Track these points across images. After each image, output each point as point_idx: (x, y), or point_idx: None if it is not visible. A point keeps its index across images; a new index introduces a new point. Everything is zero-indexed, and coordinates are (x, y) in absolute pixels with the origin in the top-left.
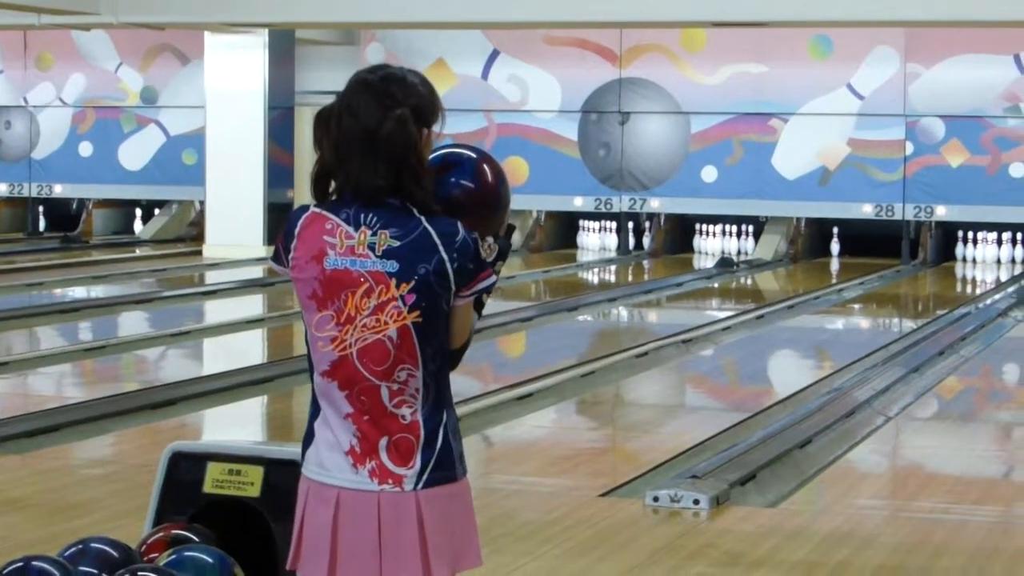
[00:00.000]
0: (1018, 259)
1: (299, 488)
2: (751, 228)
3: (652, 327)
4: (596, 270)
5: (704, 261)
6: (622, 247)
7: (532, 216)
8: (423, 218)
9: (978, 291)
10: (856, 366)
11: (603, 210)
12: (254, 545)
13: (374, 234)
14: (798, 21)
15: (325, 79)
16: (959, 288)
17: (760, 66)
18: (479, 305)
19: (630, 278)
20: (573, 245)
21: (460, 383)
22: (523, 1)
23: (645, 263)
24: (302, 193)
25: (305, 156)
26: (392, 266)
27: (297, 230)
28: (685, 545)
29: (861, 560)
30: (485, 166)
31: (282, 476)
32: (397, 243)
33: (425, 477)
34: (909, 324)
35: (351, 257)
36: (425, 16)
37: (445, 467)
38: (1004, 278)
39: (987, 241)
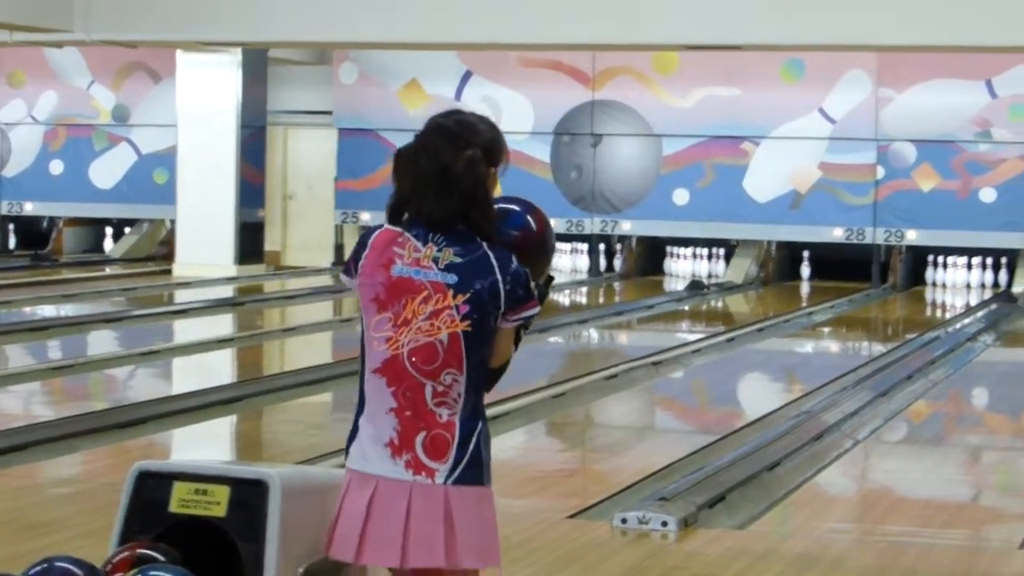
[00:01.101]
0: (988, 284)
1: (344, 481)
2: (722, 251)
3: (623, 349)
4: (567, 292)
5: (675, 283)
6: (593, 269)
7: None
8: (484, 244)
9: (948, 315)
10: (825, 389)
11: (575, 232)
12: (220, 565)
13: (439, 250)
14: (771, 45)
15: (298, 99)
16: (929, 312)
17: (732, 89)
18: (517, 338)
19: (601, 300)
20: None
21: None
22: (496, 23)
23: (616, 285)
24: (273, 212)
25: (276, 175)
26: (451, 278)
27: (370, 241)
28: (653, 567)
29: None
30: (535, 215)
31: (248, 496)
32: (459, 260)
33: (456, 474)
34: (878, 348)
35: (416, 267)
36: (399, 37)
37: (475, 469)
38: (974, 303)
39: (957, 266)
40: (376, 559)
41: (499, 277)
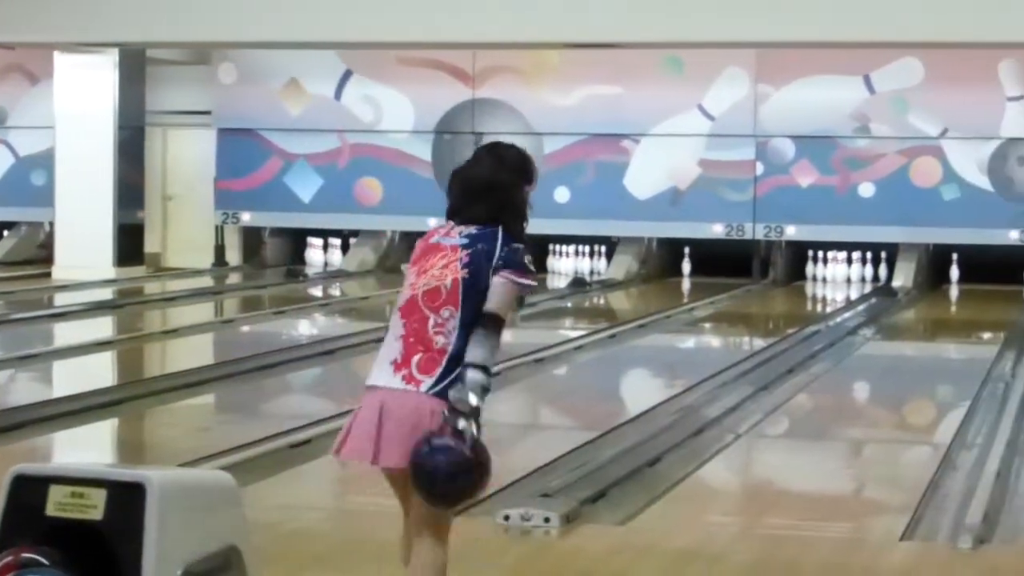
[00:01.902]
0: (867, 278)
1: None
2: (604, 248)
3: (505, 346)
4: None
5: (557, 281)
6: None
7: (386, 237)
8: (501, 228)
9: (828, 310)
10: (706, 384)
11: None
12: (99, 568)
13: (467, 228)
14: (650, 42)
15: (177, 99)
16: (809, 307)
17: (613, 87)
18: (519, 302)
19: None
20: None
21: (316, 404)
22: (376, 21)
23: None
24: (153, 213)
25: (155, 176)
26: (463, 240)
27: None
28: (536, 563)
29: None
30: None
31: (126, 498)
32: (474, 231)
33: (437, 388)
34: (759, 343)
35: (445, 237)
36: (278, 36)
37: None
38: (854, 297)
39: (837, 260)
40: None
41: (498, 245)
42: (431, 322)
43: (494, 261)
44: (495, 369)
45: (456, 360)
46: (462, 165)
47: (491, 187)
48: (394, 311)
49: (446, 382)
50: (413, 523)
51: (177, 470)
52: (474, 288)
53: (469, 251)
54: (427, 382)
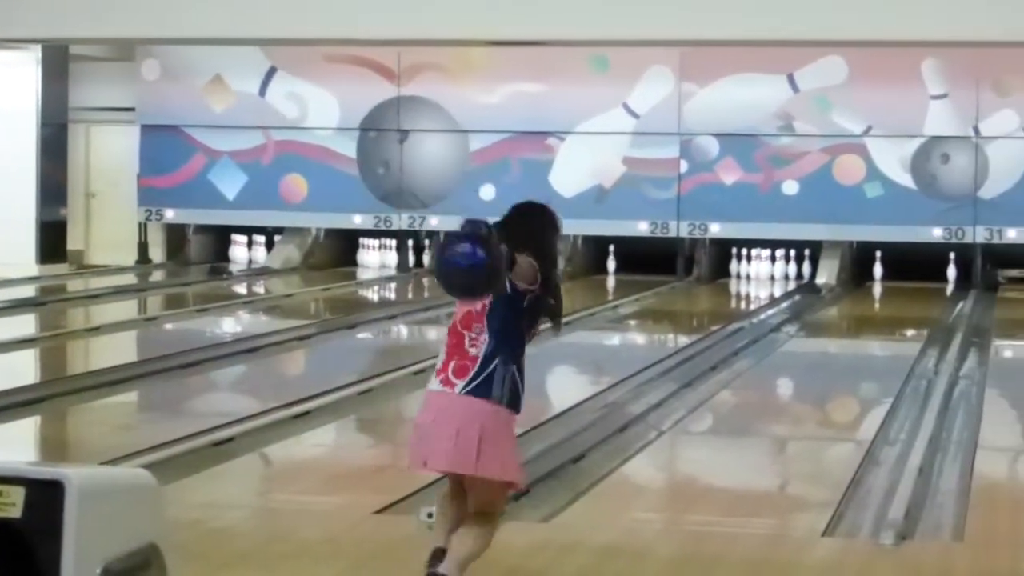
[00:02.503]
0: (791, 275)
1: None
2: None
3: (431, 344)
4: (375, 287)
5: None
6: (401, 265)
7: (311, 234)
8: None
9: (752, 307)
10: (631, 381)
11: (382, 228)
12: (15, 567)
13: None
14: (575, 40)
15: (101, 95)
16: (733, 304)
17: (538, 85)
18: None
19: (410, 296)
20: (353, 263)
21: (238, 402)
22: (300, 18)
23: (424, 280)
24: (76, 211)
25: (78, 173)
26: None
27: None
28: None
29: (635, 573)
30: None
31: (45, 496)
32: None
33: (468, 388)
34: (684, 339)
35: None
36: (202, 32)
37: (484, 387)
38: (777, 294)
39: (761, 258)
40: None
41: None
42: (466, 339)
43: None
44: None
45: (486, 360)
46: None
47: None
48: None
49: (477, 382)
50: (469, 509)
51: (97, 468)
52: (503, 309)
53: None
54: (459, 384)
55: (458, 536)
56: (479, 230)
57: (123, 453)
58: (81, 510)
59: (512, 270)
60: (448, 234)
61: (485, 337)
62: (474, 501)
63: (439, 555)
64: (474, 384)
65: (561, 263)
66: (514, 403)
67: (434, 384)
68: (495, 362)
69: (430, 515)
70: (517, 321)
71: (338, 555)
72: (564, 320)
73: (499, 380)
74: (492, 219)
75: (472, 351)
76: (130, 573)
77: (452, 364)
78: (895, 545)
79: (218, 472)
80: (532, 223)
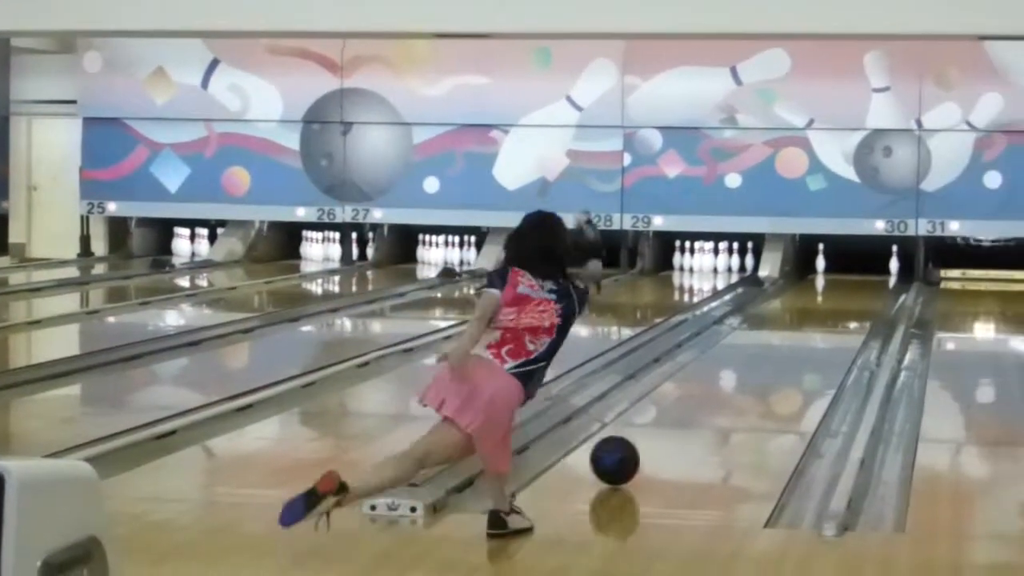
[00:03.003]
0: (734, 268)
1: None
2: (473, 238)
3: (375, 337)
4: (319, 280)
5: (427, 271)
6: (345, 257)
7: (254, 226)
8: (570, 284)
9: (695, 299)
10: (574, 373)
11: (326, 220)
12: None
13: (543, 283)
14: (518, 33)
15: (43, 88)
16: (676, 296)
17: (482, 78)
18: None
19: (353, 288)
20: (296, 256)
21: (180, 395)
22: (243, 10)
23: (368, 273)
24: (18, 204)
25: (20, 166)
26: (552, 296)
27: (509, 274)
28: (402, 553)
29: (576, 565)
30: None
31: None
32: (555, 288)
33: (515, 370)
34: (627, 332)
35: (531, 289)
36: (143, 24)
37: (524, 376)
38: (720, 286)
39: (704, 250)
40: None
41: (575, 300)
42: (527, 339)
43: (576, 312)
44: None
45: (536, 362)
46: (530, 235)
47: (563, 256)
48: (490, 331)
49: (524, 370)
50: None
51: (36, 461)
52: (564, 331)
53: (562, 305)
54: (510, 363)
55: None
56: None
57: (65, 446)
58: (21, 503)
59: (583, 305)
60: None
61: (546, 344)
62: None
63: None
64: (522, 370)
65: None
66: (532, 396)
67: (483, 351)
68: (543, 364)
69: (373, 507)
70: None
71: (281, 548)
72: None
73: (538, 379)
74: (436, 212)
75: (530, 347)
76: (71, 566)
77: (507, 348)
78: (837, 536)
79: (160, 465)
80: (570, 246)
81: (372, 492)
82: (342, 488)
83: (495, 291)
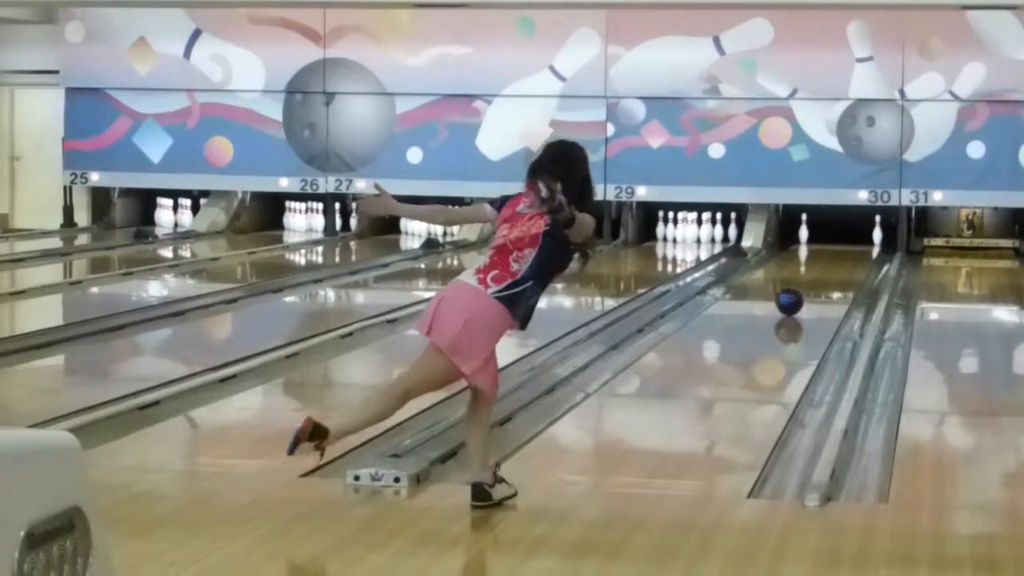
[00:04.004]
0: (717, 238)
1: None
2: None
3: (358, 308)
4: (302, 251)
5: (410, 242)
6: (328, 228)
7: (237, 197)
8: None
9: (678, 270)
10: (557, 344)
11: (309, 191)
12: None
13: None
14: (501, 3)
15: (24, 58)
16: (659, 267)
17: (464, 48)
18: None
19: (337, 259)
20: (279, 226)
21: (164, 366)
22: None
23: (352, 244)
24: (0, 173)
25: (3, 136)
26: (543, 207)
27: (513, 197)
28: (384, 523)
29: (558, 535)
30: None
31: None
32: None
33: (500, 295)
34: (610, 302)
35: (528, 208)
36: None
37: (509, 299)
38: (703, 257)
39: (687, 221)
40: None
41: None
42: (512, 256)
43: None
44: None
45: (521, 283)
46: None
47: (574, 164)
48: (485, 250)
49: (508, 293)
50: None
51: (17, 431)
52: (552, 241)
53: (550, 218)
54: (494, 288)
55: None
56: None
57: (48, 417)
58: (3, 473)
59: (571, 227)
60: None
61: (530, 261)
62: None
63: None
64: (505, 293)
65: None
66: (525, 323)
67: (470, 278)
68: (528, 284)
69: (357, 478)
70: (558, 261)
71: (264, 518)
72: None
73: (524, 300)
74: (419, 183)
75: (515, 267)
76: (54, 536)
77: (493, 273)
78: (820, 507)
79: (144, 436)
80: (580, 170)
81: (359, 428)
82: (317, 432)
83: (489, 208)
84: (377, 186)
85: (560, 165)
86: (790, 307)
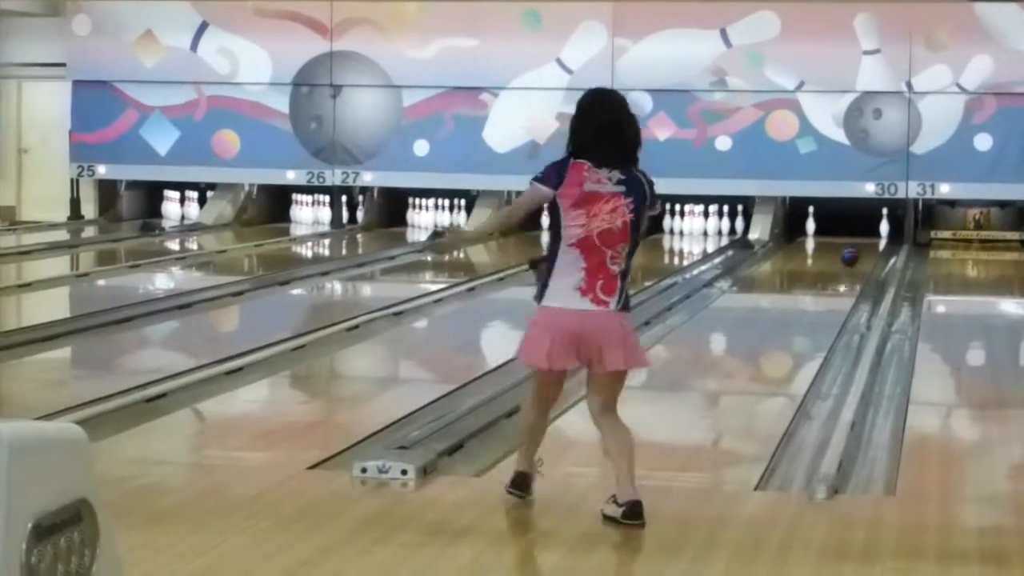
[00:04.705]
0: (724, 231)
1: (538, 316)
2: (463, 202)
3: (365, 300)
4: (309, 244)
5: (417, 234)
6: (335, 221)
7: (244, 189)
8: (638, 172)
9: (685, 262)
10: None
11: (316, 183)
12: None
13: (610, 174)
14: None
15: (31, 51)
16: (666, 260)
17: (471, 40)
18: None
19: (343, 252)
20: (286, 219)
21: (170, 358)
22: None
23: (358, 237)
24: (7, 167)
25: (10, 129)
26: (621, 188)
27: (567, 169)
28: (391, 515)
29: (565, 528)
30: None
31: None
32: (624, 178)
33: (619, 306)
34: None
35: (597, 184)
36: None
37: (626, 304)
38: (710, 249)
39: (694, 213)
40: (567, 363)
41: (647, 191)
42: (608, 257)
43: (647, 202)
44: None
45: (623, 277)
46: (592, 110)
47: (636, 136)
48: (563, 247)
49: (623, 301)
50: (598, 408)
51: (26, 423)
52: (637, 227)
53: (631, 199)
54: (612, 302)
55: (616, 448)
56: None
57: (55, 409)
58: (11, 465)
59: (655, 197)
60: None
61: (624, 256)
62: (610, 396)
63: (523, 480)
64: (621, 303)
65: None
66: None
67: (580, 302)
68: (627, 280)
69: (364, 470)
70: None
71: (270, 511)
72: (498, 276)
73: (626, 295)
74: (426, 175)
75: (613, 269)
76: (61, 528)
77: (599, 283)
78: (827, 499)
79: (150, 428)
80: (638, 143)
81: (626, 472)
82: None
83: (544, 188)
84: (448, 229)
85: (628, 122)
86: (850, 261)
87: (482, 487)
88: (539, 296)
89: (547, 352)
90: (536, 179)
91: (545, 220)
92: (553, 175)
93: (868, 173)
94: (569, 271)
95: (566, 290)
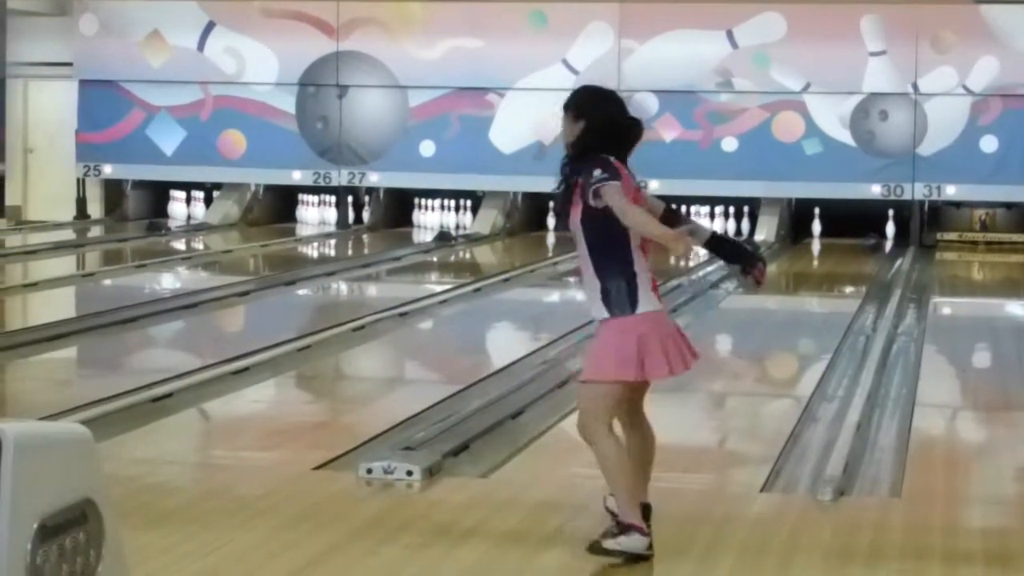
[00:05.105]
0: (730, 232)
1: (633, 326)
2: (469, 202)
3: (370, 301)
4: (315, 244)
5: (423, 235)
6: (341, 221)
7: (250, 189)
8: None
9: (691, 264)
10: (570, 337)
11: (322, 184)
12: None
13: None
14: None
15: (37, 50)
16: (672, 260)
17: (477, 41)
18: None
19: (349, 252)
20: (292, 219)
21: (176, 358)
22: None
23: (364, 237)
24: (14, 166)
25: (17, 128)
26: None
27: (618, 167)
28: (396, 516)
29: (571, 528)
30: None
31: None
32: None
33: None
34: None
35: (632, 179)
36: None
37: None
38: None
39: (700, 214)
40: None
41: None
42: (648, 261)
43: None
44: None
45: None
46: (608, 106)
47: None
48: (634, 247)
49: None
50: (636, 423)
51: (32, 423)
52: None
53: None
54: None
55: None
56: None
57: (61, 409)
58: (17, 465)
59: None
60: None
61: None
62: (640, 403)
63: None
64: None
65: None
66: None
67: (657, 303)
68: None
69: (369, 471)
70: None
71: (276, 510)
72: (504, 277)
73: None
74: (432, 175)
75: (650, 262)
76: (66, 528)
77: (655, 280)
78: (833, 501)
79: (156, 428)
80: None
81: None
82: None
83: (617, 183)
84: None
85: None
86: (873, 248)
87: (487, 488)
88: (630, 303)
89: (640, 362)
90: (606, 179)
91: (551, 221)
92: (613, 170)
93: (874, 174)
94: (642, 271)
95: (648, 292)
